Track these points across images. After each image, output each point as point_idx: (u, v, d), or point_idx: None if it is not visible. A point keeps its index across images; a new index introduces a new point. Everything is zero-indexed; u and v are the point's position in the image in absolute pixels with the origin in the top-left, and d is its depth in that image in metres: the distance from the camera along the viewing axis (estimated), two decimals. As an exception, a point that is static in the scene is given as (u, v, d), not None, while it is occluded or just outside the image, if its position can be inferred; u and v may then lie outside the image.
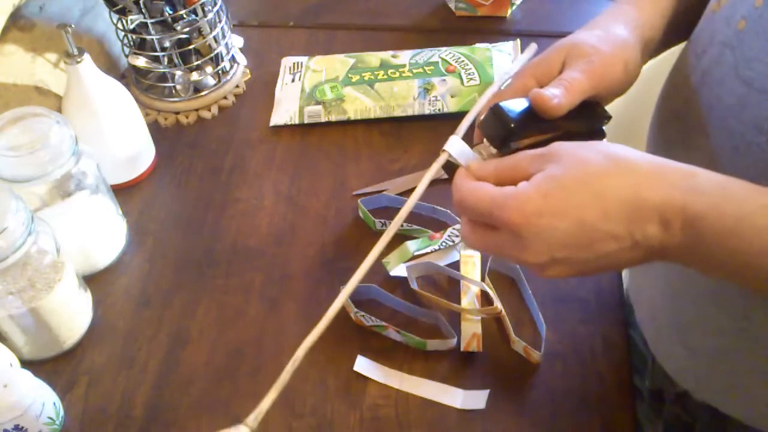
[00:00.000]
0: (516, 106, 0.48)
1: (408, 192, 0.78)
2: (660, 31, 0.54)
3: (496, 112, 0.47)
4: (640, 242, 0.40)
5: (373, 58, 0.88)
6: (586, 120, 0.51)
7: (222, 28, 0.86)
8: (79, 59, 0.70)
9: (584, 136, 0.50)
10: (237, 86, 0.91)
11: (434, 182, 0.50)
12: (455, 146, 0.49)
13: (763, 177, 0.44)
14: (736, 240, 0.38)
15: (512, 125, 0.47)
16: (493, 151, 0.48)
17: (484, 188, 0.43)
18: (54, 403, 0.60)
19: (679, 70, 0.54)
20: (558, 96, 0.47)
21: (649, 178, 0.39)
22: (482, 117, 0.48)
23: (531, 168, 0.43)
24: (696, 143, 0.50)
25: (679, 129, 0.53)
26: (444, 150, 0.49)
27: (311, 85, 0.87)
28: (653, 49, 0.55)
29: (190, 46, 0.84)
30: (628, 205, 0.39)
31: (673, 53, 0.59)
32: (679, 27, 0.56)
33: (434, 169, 0.48)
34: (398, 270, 0.70)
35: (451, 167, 0.50)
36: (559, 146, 0.43)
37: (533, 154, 0.43)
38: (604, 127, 0.52)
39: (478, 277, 0.70)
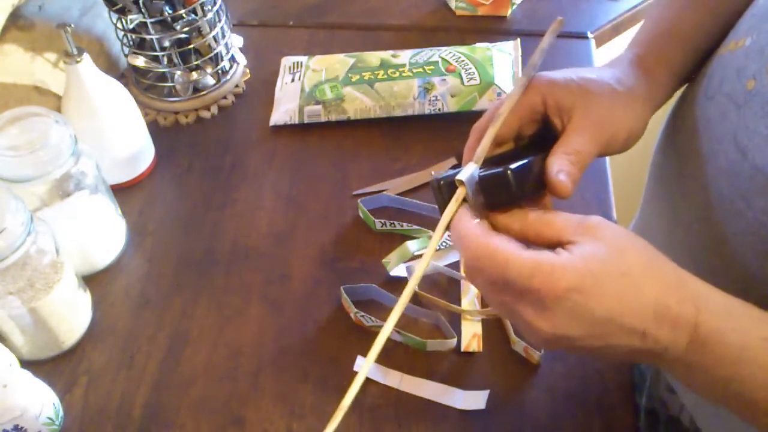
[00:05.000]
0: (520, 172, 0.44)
1: (408, 192, 0.78)
2: (669, 92, 0.53)
3: (503, 177, 0.43)
4: (648, 341, 0.39)
5: (373, 57, 0.88)
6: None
7: (221, 28, 0.86)
8: (78, 59, 0.70)
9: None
10: (236, 86, 0.91)
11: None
12: (471, 176, 0.43)
13: (750, 248, 0.43)
14: (734, 369, 0.38)
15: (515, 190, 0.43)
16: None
17: (510, 251, 0.39)
18: (53, 404, 0.60)
19: (689, 103, 0.52)
20: (574, 178, 0.45)
21: (675, 288, 0.39)
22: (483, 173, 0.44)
23: (568, 234, 0.40)
24: (692, 191, 0.49)
25: (679, 167, 0.52)
26: (461, 181, 0.43)
27: (311, 84, 0.86)
28: (658, 107, 0.54)
29: (190, 46, 0.84)
30: (654, 307, 0.39)
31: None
32: (686, 79, 0.55)
33: (452, 209, 0.43)
34: (398, 270, 0.70)
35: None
36: (602, 224, 0.40)
37: (572, 219, 0.41)
38: None
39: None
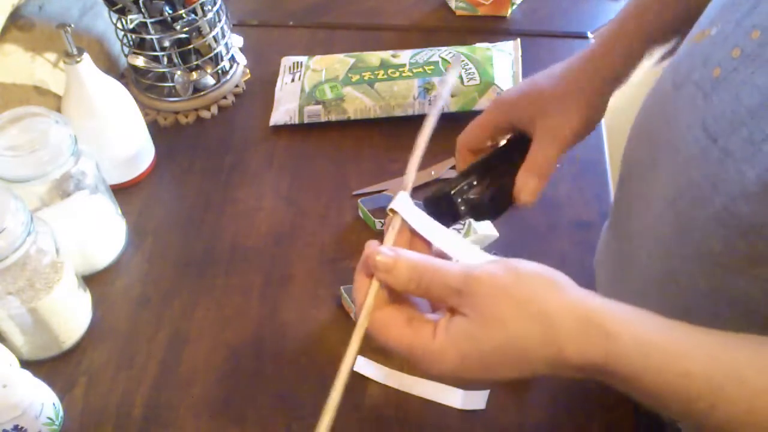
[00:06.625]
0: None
1: (408, 192, 0.78)
2: (626, 71, 0.57)
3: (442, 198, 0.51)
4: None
5: (373, 57, 0.88)
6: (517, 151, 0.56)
7: (221, 28, 0.86)
8: (78, 59, 0.70)
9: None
10: (236, 86, 0.91)
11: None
12: (404, 204, 0.46)
13: (716, 235, 0.43)
14: (655, 402, 0.39)
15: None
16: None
17: (400, 333, 0.42)
18: (53, 404, 0.60)
19: (658, 93, 0.53)
20: (536, 190, 0.54)
21: (572, 339, 0.38)
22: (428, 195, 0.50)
23: (447, 299, 0.41)
24: (662, 179, 0.49)
25: (649, 156, 0.52)
26: (393, 210, 0.46)
27: (311, 84, 0.86)
28: (618, 86, 0.58)
29: (190, 46, 0.84)
30: (549, 361, 0.39)
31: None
32: (648, 55, 0.57)
33: (392, 235, 0.45)
34: (398, 270, 0.70)
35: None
36: (476, 287, 0.40)
37: (450, 286, 0.40)
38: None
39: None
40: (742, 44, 0.42)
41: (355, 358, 0.43)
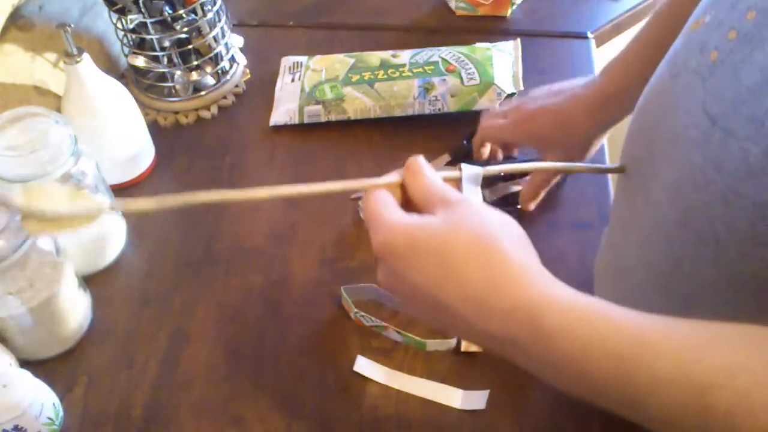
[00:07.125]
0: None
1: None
2: (626, 113, 0.63)
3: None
4: (473, 327, 0.41)
5: (373, 57, 0.88)
6: None
7: (221, 28, 0.86)
8: (78, 59, 0.70)
9: None
10: (236, 86, 0.91)
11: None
12: (472, 172, 0.51)
13: (718, 218, 0.43)
14: (573, 367, 0.39)
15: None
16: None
17: (380, 207, 0.46)
18: (53, 404, 0.60)
19: (655, 86, 0.54)
20: (535, 199, 0.72)
21: (511, 281, 0.40)
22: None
23: (438, 206, 0.44)
24: (663, 168, 0.50)
25: (648, 149, 0.53)
26: (461, 167, 0.50)
27: (311, 84, 0.86)
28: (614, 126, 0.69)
29: (190, 46, 0.84)
30: (472, 295, 0.40)
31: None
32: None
33: (443, 173, 0.49)
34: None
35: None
36: (460, 202, 0.43)
37: (445, 198, 0.44)
38: None
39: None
40: (738, 26, 0.42)
41: (339, 188, 0.51)
